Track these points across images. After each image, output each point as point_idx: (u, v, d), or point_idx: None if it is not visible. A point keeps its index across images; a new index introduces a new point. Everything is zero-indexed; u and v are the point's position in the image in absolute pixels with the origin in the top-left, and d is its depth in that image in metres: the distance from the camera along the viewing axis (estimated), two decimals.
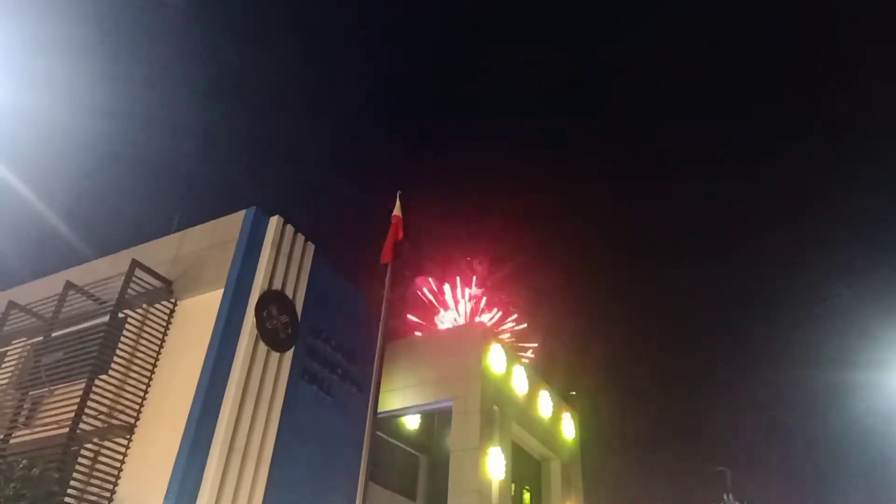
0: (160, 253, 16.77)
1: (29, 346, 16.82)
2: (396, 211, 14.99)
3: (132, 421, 14.41)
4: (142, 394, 14.72)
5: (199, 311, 15.26)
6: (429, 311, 36.85)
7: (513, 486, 21.15)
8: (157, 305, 15.63)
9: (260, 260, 15.96)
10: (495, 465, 19.45)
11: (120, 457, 13.99)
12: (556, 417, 24.84)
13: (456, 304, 37.67)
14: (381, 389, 13.83)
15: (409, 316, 36.02)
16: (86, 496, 13.44)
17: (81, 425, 13.69)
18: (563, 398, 26.15)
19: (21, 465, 12.68)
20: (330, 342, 17.48)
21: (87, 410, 13.82)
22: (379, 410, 14.29)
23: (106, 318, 15.05)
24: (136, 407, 14.56)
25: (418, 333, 30.48)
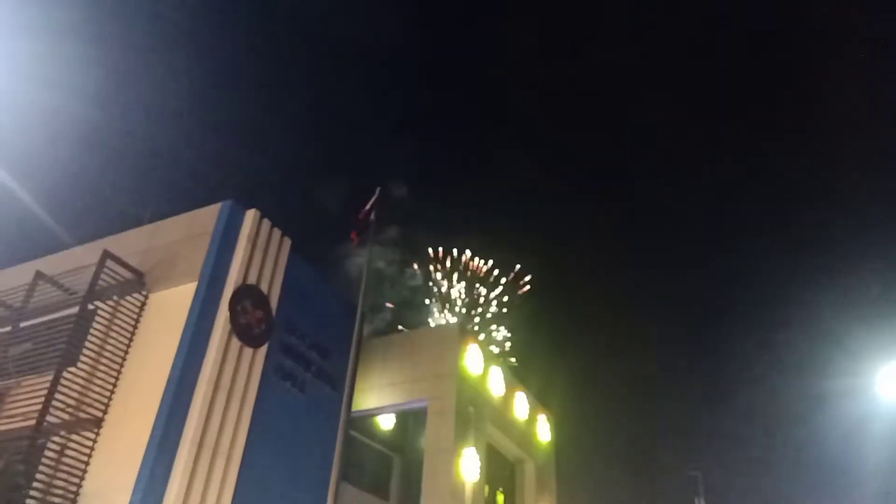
0: (133, 244, 16.45)
1: None
2: (371, 203, 15.19)
3: (100, 415, 14.12)
4: (111, 387, 14.42)
5: (171, 305, 14.98)
6: None
7: (486, 487, 21.04)
8: (128, 297, 15.31)
9: (235, 254, 15.72)
10: (469, 466, 19.33)
11: (87, 451, 13.68)
12: (531, 419, 24.78)
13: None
14: (356, 388, 13.74)
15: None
16: (52, 490, 13.13)
17: (48, 418, 13.38)
18: (540, 400, 26.09)
19: None
20: (304, 339, 17.27)
21: (54, 403, 13.51)
22: (353, 409, 14.20)
23: (75, 310, 14.76)
24: (105, 401, 14.26)
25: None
